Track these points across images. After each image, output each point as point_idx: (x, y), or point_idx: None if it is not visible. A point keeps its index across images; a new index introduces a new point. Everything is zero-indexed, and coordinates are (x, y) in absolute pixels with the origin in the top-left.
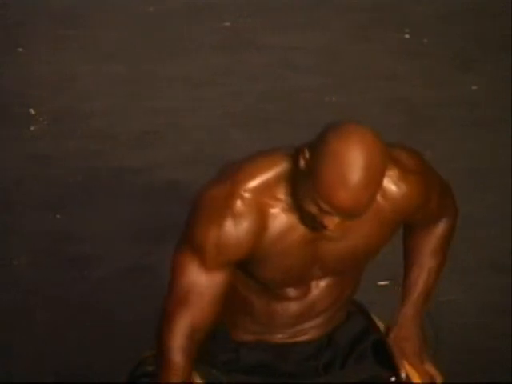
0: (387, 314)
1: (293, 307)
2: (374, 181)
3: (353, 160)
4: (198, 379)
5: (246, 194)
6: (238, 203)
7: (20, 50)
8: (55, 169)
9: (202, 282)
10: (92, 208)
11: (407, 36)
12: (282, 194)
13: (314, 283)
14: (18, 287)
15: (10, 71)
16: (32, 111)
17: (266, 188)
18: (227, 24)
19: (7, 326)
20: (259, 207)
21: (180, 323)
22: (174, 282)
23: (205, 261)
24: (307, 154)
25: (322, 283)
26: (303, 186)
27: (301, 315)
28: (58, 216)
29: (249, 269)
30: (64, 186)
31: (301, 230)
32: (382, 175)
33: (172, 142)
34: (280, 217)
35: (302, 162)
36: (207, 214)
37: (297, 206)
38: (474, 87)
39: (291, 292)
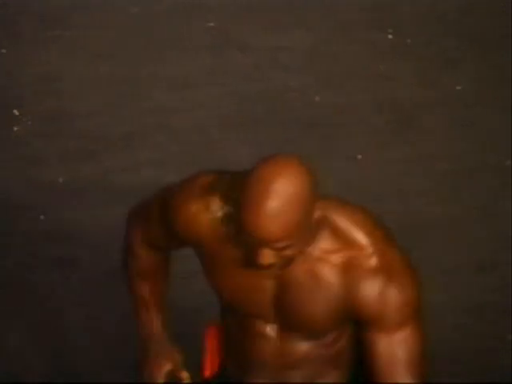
0: None
1: (264, 345)
2: (287, 207)
3: (266, 186)
4: None
5: (213, 201)
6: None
7: (3, 51)
8: (39, 169)
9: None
10: (76, 209)
11: (390, 36)
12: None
13: (278, 326)
14: (4, 288)
15: None
16: (16, 112)
17: (223, 201)
18: (213, 24)
19: None
20: (221, 215)
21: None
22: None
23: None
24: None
25: (289, 332)
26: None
27: (275, 357)
28: (41, 217)
29: (208, 279)
30: (48, 187)
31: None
32: (299, 205)
33: (160, 143)
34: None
35: (235, 195)
36: (185, 188)
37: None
38: (458, 87)
39: (258, 325)
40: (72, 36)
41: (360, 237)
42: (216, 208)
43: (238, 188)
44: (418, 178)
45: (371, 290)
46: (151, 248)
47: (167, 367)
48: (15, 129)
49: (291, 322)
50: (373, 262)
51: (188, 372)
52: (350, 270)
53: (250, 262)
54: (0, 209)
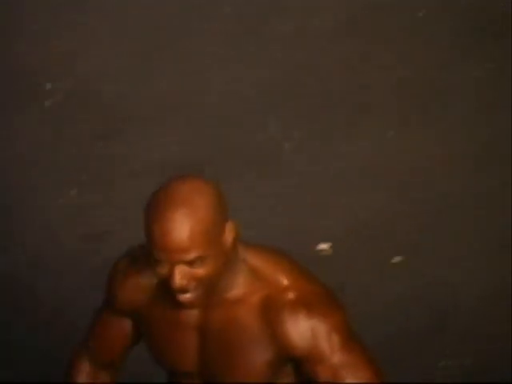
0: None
1: None
2: (193, 214)
3: (169, 195)
4: None
5: (138, 259)
6: (128, 266)
7: (35, 27)
8: (70, 144)
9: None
10: (105, 183)
11: (421, 14)
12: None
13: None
14: (31, 262)
15: (26, 47)
16: (48, 86)
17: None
18: (228, 10)
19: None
20: (144, 279)
21: (81, 361)
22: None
23: (104, 304)
24: None
25: None
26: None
27: None
28: (72, 191)
29: (143, 339)
30: (79, 162)
31: (171, 309)
32: (205, 212)
33: (187, 120)
34: (157, 298)
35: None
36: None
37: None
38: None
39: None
40: (98, 17)
41: (276, 275)
42: (138, 274)
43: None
44: (443, 158)
45: (294, 324)
46: (99, 370)
47: None
48: (46, 103)
49: (214, 377)
50: (289, 295)
51: None
52: (268, 308)
53: (172, 299)
54: (30, 181)
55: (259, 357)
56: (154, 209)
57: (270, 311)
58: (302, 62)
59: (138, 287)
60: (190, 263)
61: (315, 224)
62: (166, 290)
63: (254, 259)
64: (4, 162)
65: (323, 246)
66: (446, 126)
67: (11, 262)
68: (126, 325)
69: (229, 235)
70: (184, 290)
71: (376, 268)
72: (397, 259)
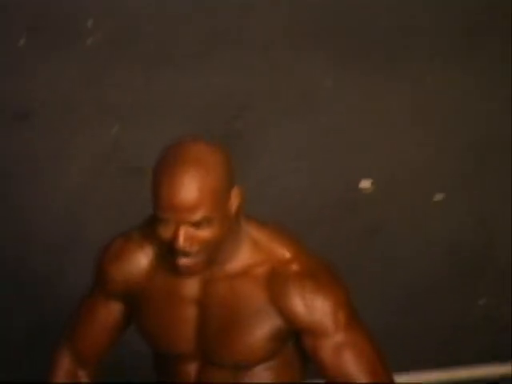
0: None
1: None
2: (200, 172)
3: (172, 156)
4: None
5: (133, 239)
6: (123, 243)
7: None
8: (111, 80)
9: (89, 311)
10: (146, 119)
11: None
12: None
13: (200, 365)
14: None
15: None
16: (89, 25)
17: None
18: None
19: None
20: (143, 252)
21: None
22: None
23: (93, 290)
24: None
25: (212, 371)
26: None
27: None
28: (114, 128)
29: (134, 320)
30: (118, 97)
31: (168, 284)
32: (212, 171)
33: (226, 60)
34: (156, 265)
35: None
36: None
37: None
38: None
39: (179, 366)
40: None
41: (280, 248)
42: (132, 252)
43: (151, 222)
44: (483, 100)
45: (300, 296)
46: (80, 367)
47: None
48: (88, 41)
49: (214, 355)
50: (294, 267)
51: None
52: (273, 280)
53: (171, 266)
54: (73, 116)
55: (261, 330)
56: (163, 166)
57: (275, 283)
58: (346, 2)
59: (132, 265)
60: (196, 224)
61: (357, 162)
62: (165, 260)
63: (256, 231)
64: (48, 102)
65: (365, 184)
66: (485, 64)
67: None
68: (115, 312)
69: (235, 201)
70: (186, 253)
71: (418, 206)
72: (438, 197)
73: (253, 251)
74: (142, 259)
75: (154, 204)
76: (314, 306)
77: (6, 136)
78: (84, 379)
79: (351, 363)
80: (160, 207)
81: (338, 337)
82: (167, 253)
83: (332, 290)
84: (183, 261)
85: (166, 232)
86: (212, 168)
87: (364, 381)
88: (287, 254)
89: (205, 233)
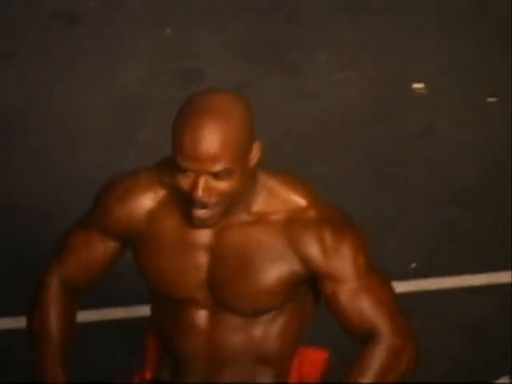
0: None
1: (195, 337)
2: (224, 123)
3: (197, 106)
4: None
5: (143, 178)
6: (131, 182)
7: None
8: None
9: (82, 243)
10: (200, 24)
11: None
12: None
13: (211, 313)
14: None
15: None
16: None
17: (158, 178)
18: None
19: None
20: (153, 192)
21: (53, 276)
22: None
23: (87, 221)
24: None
25: (223, 318)
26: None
27: (208, 352)
28: (167, 30)
29: (138, 264)
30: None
31: (180, 230)
32: (236, 123)
33: None
34: (164, 209)
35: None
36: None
37: (177, 200)
38: None
39: (189, 313)
40: None
41: (297, 196)
42: (140, 193)
43: (161, 165)
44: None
45: (320, 241)
46: (68, 290)
47: None
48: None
49: (227, 301)
50: (312, 213)
51: None
52: (290, 225)
53: (187, 214)
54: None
55: (277, 276)
56: (187, 115)
57: (293, 229)
58: None
59: (136, 208)
60: (216, 176)
61: (410, 63)
62: (180, 208)
63: (271, 181)
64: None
65: (418, 85)
66: None
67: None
68: (110, 248)
69: (255, 154)
70: (204, 204)
71: (470, 107)
72: (491, 99)
73: (268, 200)
74: (147, 202)
75: (175, 153)
76: (333, 251)
77: (59, 41)
78: (71, 302)
79: (369, 307)
80: (181, 156)
81: (357, 282)
82: (184, 202)
83: (351, 236)
84: (200, 212)
85: (185, 182)
86: (236, 120)
87: (382, 324)
88: (303, 202)
89: (224, 185)
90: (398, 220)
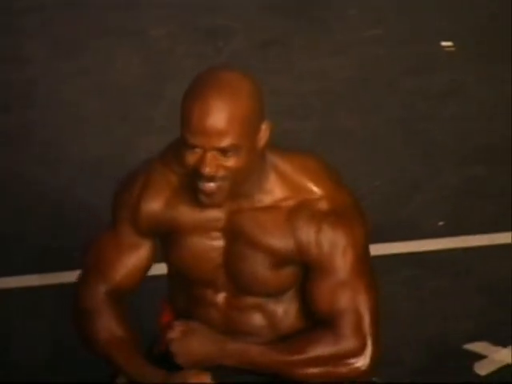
0: None
1: (214, 315)
2: (231, 98)
3: (207, 82)
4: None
5: (155, 169)
6: (147, 176)
7: None
8: None
9: (113, 249)
10: None
11: None
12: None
13: (229, 295)
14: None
15: None
16: None
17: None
18: None
19: None
20: (167, 181)
21: (96, 288)
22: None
23: (116, 225)
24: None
25: (242, 300)
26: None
27: (226, 330)
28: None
29: (163, 251)
30: None
31: (195, 214)
32: (244, 99)
33: None
34: (178, 196)
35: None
36: (118, 191)
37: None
38: None
39: (208, 295)
40: None
41: (308, 182)
42: (160, 181)
43: (171, 149)
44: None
45: (316, 229)
46: (116, 302)
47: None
48: None
49: (241, 283)
50: (322, 205)
51: None
52: (298, 212)
53: (197, 192)
54: None
55: (279, 259)
56: (195, 91)
57: (298, 217)
58: None
59: (159, 198)
60: (223, 151)
61: (438, 21)
62: (190, 189)
63: (282, 163)
64: None
65: (447, 43)
66: None
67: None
68: (147, 243)
69: (264, 134)
70: (211, 178)
71: (498, 65)
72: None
73: (281, 185)
74: (166, 190)
75: (183, 129)
76: (326, 240)
77: None
78: (123, 308)
79: (344, 306)
80: (189, 132)
81: (341, 275)
82: (192, 180)
83: (350, 230)
84: (206, 185)
85: (192, 158)
86: (245, 96)
87: (345, 327)
88: (317, 191)
89: (231, 161)
90: (426, 177)
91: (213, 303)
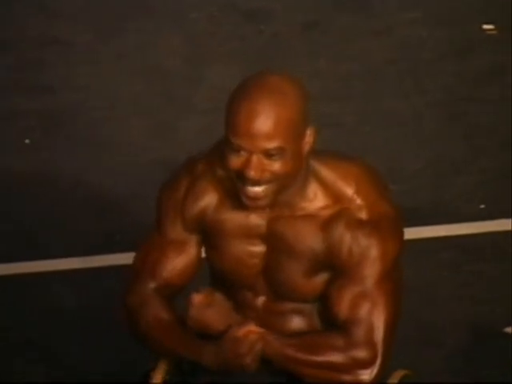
0: None
1: (252, 317)
2: (278, 102)
3: (255, 85)
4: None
5: (200, 171)
6: (192, 177)
7: None
8: None
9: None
10: None
11: None
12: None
13: (268, 299)
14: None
15: None
16: None
17: (216, 166)
18: None
19: None
20: (212, 185)
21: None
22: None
23: (162, 223)
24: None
25: (280, 304)
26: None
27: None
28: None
29: (207, 254)
30: None
31: (238, 219)
32: (290, 102)
33: None
34: (222, 201)
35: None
36: (164, 194)
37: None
38: None
39: (247, 297)
40: None
41: (350, 191)
42: (204, 182)
43: (214, 151)
44: None
45: (351, 236)
46: (164, 297)
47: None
48: None
49: (280, 290)
50: (361, 214)
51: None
52: (336, 221)
53: (241, 195)
54: None
55: (317, 271)
56: (242, 93)
57: (334, 225)
58: None
59: (205, 198)
60: (268, 155)
61: (480, 4)
62: (233, 193)
63: (327, 172)
64: None
65: (488, 26)
66: None
67: None
68: (193, 242)
69: (309, 139)
70: (256, 182)
71: None
72: None
73: (322, 193)
74: (210, 191)
75: (229, 131)
76: (357, 249)
77: None
78: (172, 306)
79: (361, 315)
80: (235, 133)
81: (364, 286)
82: (236, 184)
83: (383, 243)
84: (252, 190)
85: (236, 161)
86: (292, 100)
87: (358, 336)
88: (357, 200)
89: (276, 165)
90: (467, 160)
91: (252, 306)
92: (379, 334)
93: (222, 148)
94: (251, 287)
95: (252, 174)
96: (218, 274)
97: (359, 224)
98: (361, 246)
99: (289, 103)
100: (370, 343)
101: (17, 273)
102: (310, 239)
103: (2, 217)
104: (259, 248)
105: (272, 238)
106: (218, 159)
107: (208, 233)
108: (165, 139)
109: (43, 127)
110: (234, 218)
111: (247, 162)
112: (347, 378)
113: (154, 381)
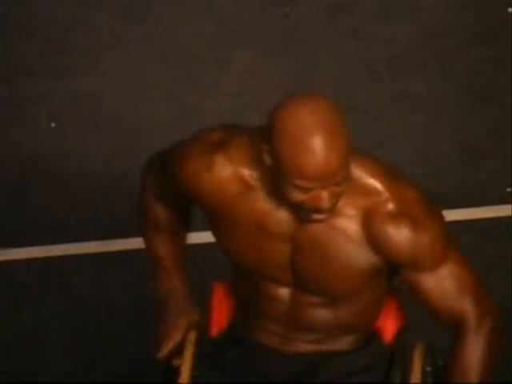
0: None
1: (278, 307)
2: (335, 136)
3: (305, 125)
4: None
5: (221, 165)
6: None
7: None
8: None
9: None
10: None
11: None
12: (257, 178)
13: (292, 290)
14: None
15: None
16: None
17: (248, 161)
18: None
19: None
20: (238, 171)
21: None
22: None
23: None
24: (266, 148)
25: (305, 296)
26: (279, 179)
27: (288, 321)
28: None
29: (215, 236)
30: None
31: (260, 215)
32: (343, 132)
33: None
34: (248, 191)
35: (267, 159)
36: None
37: (277, 200)
38: None
39: (272, 288)
40: None
41: (374, 183)
42: (220, 167)
43: (258, 143)
44: None
45: (397, 234)
46: (167, 199)
47: (183, 328)
48: None
49: (309, 285)
50: (391, 206)
51: (195, 333)
52: (369, 218)
53: (302, 217)
54: None
55: (355, 266)
56: (296, 136)
57: (372, 223)
58: None
59: (211, 180)
60: (337, 184)
61: None
62: (265, 194)
63: (353, 169)
64: None
65: None
66: None
67: None
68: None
69: None
70: (328, 210)
71: None
72: None
73: (349, 190)
74: (235, 181)
75: (291, 175)
76: (411, 242)
77: None
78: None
79: (453, 294)
80: (302, 176)
81: (438, 269)
82: (296, 209)
83: (428, 226)
84: (318, 217)
85: (302, 196)
86: (340, 128)
87: (469, 311)
88: (382, 190)
89: (342, 187)
90: (494, 144)
91: (277, 297)
92: (479, 297)
93: (244, 144)
94: (277, 279)
95: (325, 207)
96: (236, 265)
97: (395, 217)
98: (412, 240)
99: (341, 133)
100: (482, 313)
101: (45, 256)
102: (343, 236)
103: (29, 200)
104: (284, 247)
105: (300, 238)
106: (243, 156)
107: (221, 218)
108: (191, 123)
109: (69, 111)
110: (255, 213)
111: (318, 198)
112: (497, 347)
113: (181, 381)
